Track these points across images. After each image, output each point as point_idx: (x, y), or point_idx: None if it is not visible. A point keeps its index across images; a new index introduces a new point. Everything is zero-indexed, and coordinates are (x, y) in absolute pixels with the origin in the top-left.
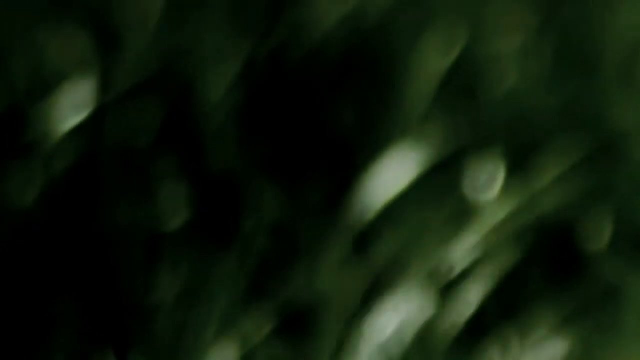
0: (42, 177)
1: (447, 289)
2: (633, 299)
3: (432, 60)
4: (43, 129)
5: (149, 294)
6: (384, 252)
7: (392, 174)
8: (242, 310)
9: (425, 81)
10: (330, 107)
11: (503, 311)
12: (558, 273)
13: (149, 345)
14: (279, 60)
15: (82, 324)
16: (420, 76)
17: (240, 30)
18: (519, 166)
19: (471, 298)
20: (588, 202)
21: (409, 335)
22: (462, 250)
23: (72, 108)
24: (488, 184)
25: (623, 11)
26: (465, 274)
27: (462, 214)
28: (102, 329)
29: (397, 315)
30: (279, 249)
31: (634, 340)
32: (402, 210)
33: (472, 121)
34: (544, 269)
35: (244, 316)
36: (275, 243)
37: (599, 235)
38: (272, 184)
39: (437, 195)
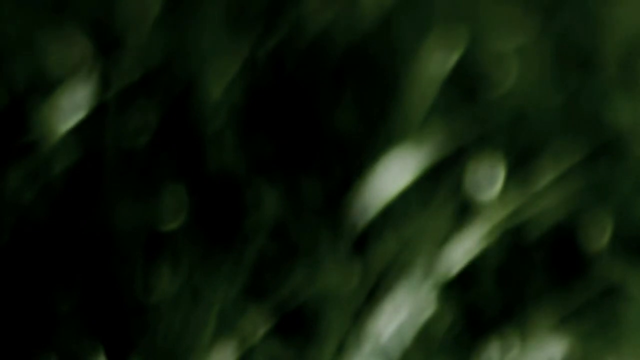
0: (42, 177)
1: (447, 289)
2: (633, 299)
3: (433, 60)
4: (43, 129)
5: (148, 294)
6: (384, 252)
7: (392, 174)
8: (241, 310)
9: (425, 81)
10: (330, 107)
11: (503, 311)
12: (558, 273)
13: (149, 345)
14: (279, 60)
15: (81, 323)
16: (420, 76)
17: (240, 30)
18: (519, 166)
19: (471, 298)
20: (588, 202)
21: (409, 335)
22: (461, 250)
23: (71, 108)
24: (488, 183)
25: (623, 11)
26: (465, 274)
27: (462, 214)
28: (101, 329)
29: (397, 315)
30: (279, 249)
31: (634, 340)
32: (402, 210)
33: (472, 121)
34: (544, 269)
35: (243, 316)
36: (275, 243)
37: (599, 235)
38: (272, 184)
39: (437, 195)
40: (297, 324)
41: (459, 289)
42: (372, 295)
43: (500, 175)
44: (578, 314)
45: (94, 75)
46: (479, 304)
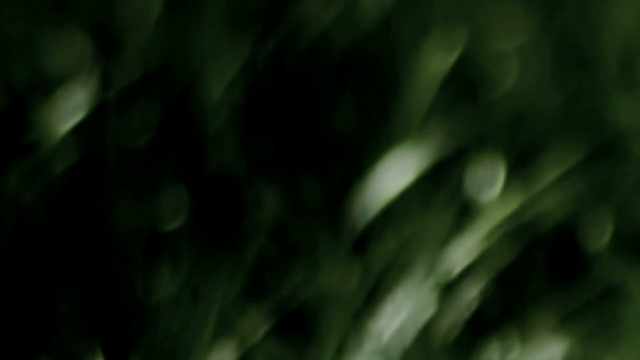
0: (42, 177)
1: (447, 289)
2: (633, 299)
3: (433, 60)
4: (43, 129)
5: (148, 294)
6: (384, 252)
7: (393, 174)
8: (241, 310)
9: (425, 81)
10: (331, 107)
11: (503, 311)
12: (558, 273)
13: (149, 345)
14: (279, 60)
15: (81, 323)
16: (421, 76)
17: (240, 31)
18: (519, 166)
19: (471, 298)
20: (588, 201)
21: (409, 335)
22: (462, 250)
23: (72, 108)
24: (488, 183)
25: (623, 11)
26: (465, 274)
27: (463, 214)
28: (101, 329)
29: (397, 315)
30: (279, 249)
31: (634, 340)
32: (402, 210)
33: (472, 121)
34: (544, 269)
35: (243, 316)
36: (275, 243)
37: (600, 235)
38: (272, 184)
39: (438, 196)
40: (297, 324)
41: (459, 289)
42: (372, 296)
43: (500, 176)
44: (578, 314)
45: (94, 75)
46: (479, 304)
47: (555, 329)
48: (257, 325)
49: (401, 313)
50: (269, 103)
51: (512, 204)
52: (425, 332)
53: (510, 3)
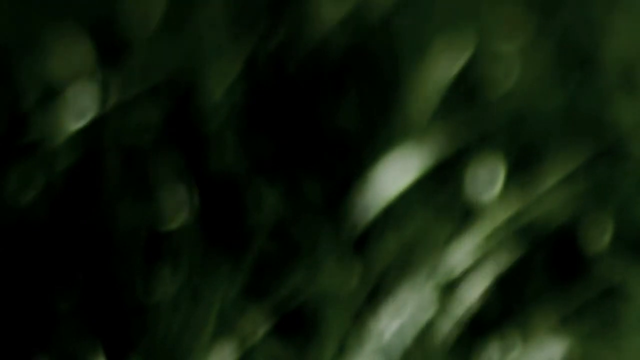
0: (43, 177)
1: (447, 289)
2: (633, 299)
3: (436, 61)
4: (44, 130)
5: (148, 294)
6: (384, 252)
7: (393, 174)
8: (241, 310)
9: (428, 83)
10: (332, 107)
11: (503, 311)
12: (558, 273)
13: (149, 345)
14: (280, 61)
15: (81, 323)
16: (423, 78)
17: (241, 31)
18: (519, 167)
19: (471, 298)
20: (589, 202)
21: (410, 336)
22: (462, 250)
23: (73, 109)
24: (489, 184)
25: (623, 12)
26: (465, 274)
27: (463, 214)
28: (101, 329)
29: (397, 316)
30: (279, 249)
31: (634, 340)
32: (403, 210)
33: (473, 122)
34: (544, 269)
35: (243, 316)
36: (275, 243)
37: (600, 235)
38: (272, 184)
39: (438, 196)
40: (297, 324)
41: (459, 289)
42: (372, 296)
43: (501, 176)
44: (578, 314)
45: (96, 76)
46: (480, 304)
47: (555, 329)
48: (257, 325)
49: (402, 313)
50: (270, 103)
51: (513, 205)
52: (426, 332)
53: (510, 4)
